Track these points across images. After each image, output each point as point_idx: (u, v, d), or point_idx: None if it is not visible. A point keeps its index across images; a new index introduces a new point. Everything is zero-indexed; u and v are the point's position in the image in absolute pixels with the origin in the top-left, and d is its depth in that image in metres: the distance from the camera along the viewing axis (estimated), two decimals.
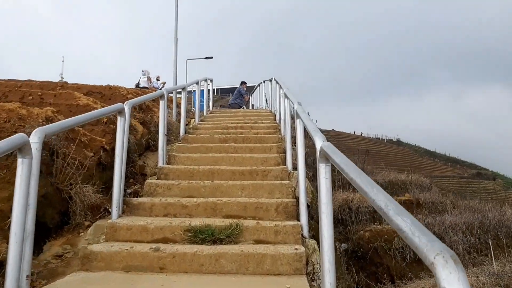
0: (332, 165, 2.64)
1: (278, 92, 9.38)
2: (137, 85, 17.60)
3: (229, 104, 18.21)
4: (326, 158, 2.63)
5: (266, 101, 13.30)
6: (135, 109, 7.64)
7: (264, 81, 14.51)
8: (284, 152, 6.52)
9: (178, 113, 9.86)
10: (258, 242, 3.67)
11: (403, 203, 8.79)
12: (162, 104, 5.99)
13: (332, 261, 2.42)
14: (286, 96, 6.02)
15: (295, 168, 5.84)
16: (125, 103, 4.54)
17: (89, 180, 4.90)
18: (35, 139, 2.65)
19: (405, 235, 1.42)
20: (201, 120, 9.38)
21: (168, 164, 5.99)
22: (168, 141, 7.43)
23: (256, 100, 17.49)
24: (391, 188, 10.38)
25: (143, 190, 4.96)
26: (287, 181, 5.07)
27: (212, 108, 12.31)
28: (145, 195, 4.89)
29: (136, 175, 6.41)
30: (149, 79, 18.63)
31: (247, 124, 8.37)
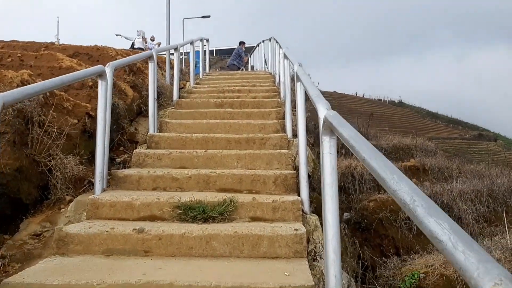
0: (337, 137, 2.26)
1: (277, 52, 8.87)
2: (132, 46, 16.98)
3: (227, 66, 17.61)
4: (331, 130, 2.24)
5: (266, 63, 12.76)
6: (125, 71, 7.18)
7: (263, 41, 13.89)
8: (284, 118, 6.13)
9: (172, 76, 9.40)
10: (254, 219, 3.34)
11: (409, 169, 8.49)
12: (151, 66, 5.53)
13: (338, 251, 2.08)
14: (285, 57, 5.55)
15: (295, 135, 5.45)
16: (106, 65, 4.10)
17: (73, 150, 4.53)
18: None
19: (442, 246, 1.05)
20: (197, 83, 8.91)
21: (159, 132, 5.61)
22: (161, 106, 7.02)
23: (256, 61, 16.89)
24: (396, 153, 10.05)
25: (131, 161, 4.59)
26: (287, 150, 4.70)
27: (209, 70, 11.79)
28: (134, 166, 4.53)
29: (126, 143, 6.05)
30: (144, 39, 17.93)
31: (245, 88, 7.92)
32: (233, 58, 16.41)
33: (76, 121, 4.89)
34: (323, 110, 2.42)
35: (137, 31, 17.52)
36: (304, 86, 3.44)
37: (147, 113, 6.94)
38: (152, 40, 18.40)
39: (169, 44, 8.73)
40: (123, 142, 6.03)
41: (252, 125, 5.60)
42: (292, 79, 8.47)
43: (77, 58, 7.29)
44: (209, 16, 24.48)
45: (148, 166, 4.50)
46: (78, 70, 5.73)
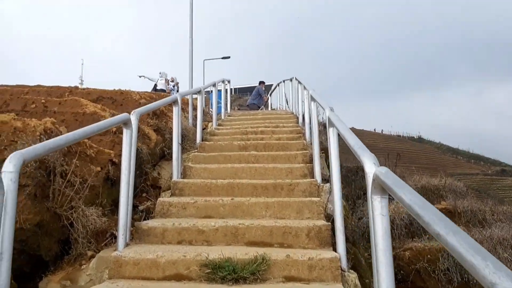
0: (389, 196, 2.02)
1: (300, 92, 8.76)
2: (155, 87, 17.25)
3: (248, 105, 17.64)
4: (383, 189, 2.00)
5: (287, 102, 12.68)
6: (148, 115, 7.11)
7: (283, 81, 13.88)
8: (311, 162, 5.90)
9: (195, 117, 9.34)
10: (288, 279, 3.06)
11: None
12: (175, 110, 5.43)
13: None
14: (312, 99, 5.39)
15: (324, 180, 5.22)
16: (131, 112, 3.98)
17: (96, 199, 4.37)
18: (9, 167, 2.09)
19: None
20: (219, 124, 8.81)
21: (183, 177, 5.44)
22: (184, 149, 6.89)
23: (275, 100, 16.88)
24: (425, 195, 9.65)
25: (155, 210, 4.40)
26: (317, 198, 4.44)
27: (230, 110, 11.75)
28: (157, 215, 4.33)
29: (149, 189, 5.89)
30: (167, 81, 18.24)
31: (268, 129, 7.76)
32: (253, 97, 16.45)
33: (99, 168, 4.75)
34: (371, 166, 2.20)
35: (160, 73, 17.82)
36: (341, 134, 3.23)
37: (170, 157, 6.82)
38: (172, 81, 18.67)
39: (192, 85, 8.74)
40: (146, 187, 5.87)
41: (278, 169, 5.39)
42: (323, 124, 8.31)
43: (101, 102, 7.28)
44: (229, 57, 24.83)
45: (173, 215, 4.29)
46: (101, 115, 5.67)
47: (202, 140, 7.08)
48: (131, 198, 3.76)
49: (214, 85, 8.82)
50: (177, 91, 19.04)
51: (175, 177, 5.18)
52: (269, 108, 16.96)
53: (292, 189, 4.81)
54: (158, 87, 17.26)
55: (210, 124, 9.63)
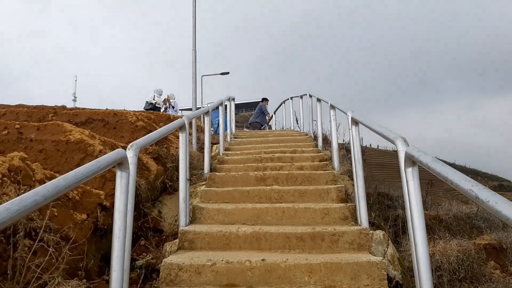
0: None
1: (318, 111, 7.72)
2: (153, 106, 16.31)
3: (250, 123, 16.61)
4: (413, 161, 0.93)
5: (297, 121, 11.65)
6: None
7: (291, 98, 12.89)
8: (348, 199, 4.83)
9: (199, 140, 8.28)
10: None
11: (485, 249, 7.01)
12: (182, 138, 4.35)
13: None
14: (355, 123, 4.31)
15: (372, 224, 4.14)
16: (128, 146, 2.90)
17: (79, 262, 3.25)
18: None
19: None
20: (226, 149, 7.72)
21: (192, 221, 4.34)
22: (190, 183, 5.79)
23: (280, 118, 15.87)
24: (457, 226, 8.59)
25: (158, 280, 3.27)
26: (376, 258, 3.35)
27: (235, 130, 10.69)
28: (163, 283, 3.21)
29: (149, 233, 4.77)
30: (165, 101, 17.26)
31: (285, 155, 6.69)
32: (256, 116, 15.42)
33: (84, 216, 3.65)
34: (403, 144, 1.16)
35: (154, 90, 16.84)
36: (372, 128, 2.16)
37: (173, 190, 5.72)
38: (169, 100, 17.60)
39: (195, 102, 7.74)
40: (145, 231, 4.75)
41: (311, 211, 4.30)
42: (341, 145, 7.25)
43: (90, 125, 6.20)
44: (228, 73, 23.93)
45: (183, 284, 3.17)
46: (89, 144, 4.57)
47: (211, 170, 5.99)
48: (127, 271, 2.64)
49: (221, 103, 7.76)
50: (173, 108, 18.01)
51: (182, 223, 4.07)
52: (273, 127, 15.93)
53: (336, 240, 3.71)
54: (151, 105, 16.28)
55: (215, 147, 8.56)
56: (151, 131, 6.44)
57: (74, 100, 43.14)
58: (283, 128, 14.39)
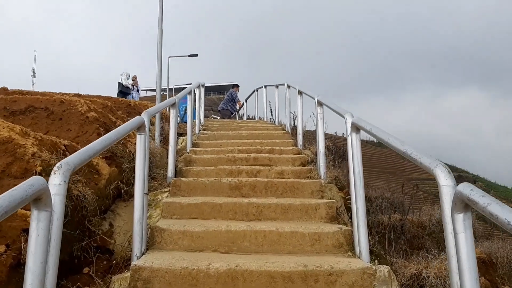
0: None
1: (299, 106, 6.91)
2: (120, 89, 15.46)
3: (219, 110, 15.67)
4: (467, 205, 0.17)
5: (271, 112, 10.81)
6: (98, 134, 5.04)
7: (265, 86, 12.02)
8: (339, 218, 4.07)
9: (162, 130, 7.32)
10: None
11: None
12: (140, 142, 3.42)
13: None
14: (356, 128, 3.47)
15: (372, 254, 3.38)
16: (54, 169, 1.97)
17: None
18: None
19: None
20: (194, 144, 6.81)
21: (151, 247, 3.46)
22: (151, 188, 4.86)
23: (251, 107, 15.01)
24: (440, 232, 8.07)
25: None
26: None
27: (204, 120, 9.73)
28: None
29: (95, 255, 3.84)
30: (135, 81, 16.37)
31: (263, 155, 5.84)
32: (226, 102, 14.50)
33: (3, 247, 2.70)
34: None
35: (121, 74, 15.87)
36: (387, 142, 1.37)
37: (128, 195, 4.79)
38: (134, 80, 16.48)
39: (160, 85, 6.74)
40: (90, 254, 3.82)
41: (298, 236, 3.50)
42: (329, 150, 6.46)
43: (31, 115, 5.15)
44: (196, 55, 22.71)
45: None
46: (20, 145, 3.57)
47: (176, 175, 5.08)
48: None
49: (190, 92, 6.80)
50: (138, 91, 16.85)
51: (136, 253, 3.16)
52: (244, 117, 15.05)
53: (333, 281, 2.93)
54: (121, 86, 15.49)
55: (181, 139, 7.63)
56: (105, 124, 5.46)
57: (33, 76, 40.60)
58: (255, 119, 13.54)
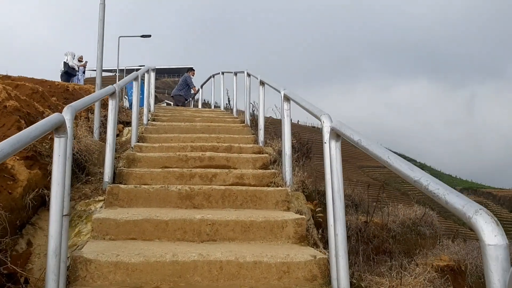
0: None
1: (261, 98, 6.20)
2: (65, 67, 14.18)
3: (172, 96, 14.70)
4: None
5: (229, 101, 10.04)
6: (18, 128, 4.10)
7: (222, 73, 11.18)
8: (308, 237, 3.45)
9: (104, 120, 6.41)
10: None
11: (441, 271, 6.11)
12: (58, 146, 2.57)
13: None
14: (335, 135, 2.80)
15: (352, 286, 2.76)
16: None
17: None
18: None
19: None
20: (141, 138, 5.95)
21: (72, 284, 2.65)
22: (83, 195, 4.01)
23: (207, 92, 14.14)
24: (404, 234, 7.69)
25: None
26: None
27: (154, 108, 8.81)
28: None
29: (5, 286, 2.98)
30: (85, 62, 15.13)
31: (219, 154, 5.10)
32: (180, 88, 13.56)
33: None
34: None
35: (65, 54, 14.54)
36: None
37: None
38: (80, 60, 15.15)
39: (101, 66, 5.82)
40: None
41: (263, 267, 2.82)
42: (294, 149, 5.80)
43: None
44: (149, 36, 21.38)
45: None
46: None
47: (115, 179, 4.24)
48: None
49: (136, 78, 5.89)
50: (84, 72, 15.55)
51: None
52: (200, 105, 14.18)
53: None
54: (67, 66, 14.22)
55: (127, 130, 6.75)
56: (29, 115, 4.52)
57: None
58: (211, 106, 12.71)
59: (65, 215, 2.64)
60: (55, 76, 15.09)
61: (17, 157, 3.73)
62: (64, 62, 14.51)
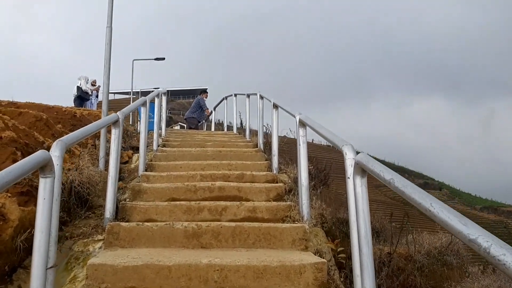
0: None
1: (275, 122, 5.86)
2: (79, 94, 14.18)
3: (185, 119, 14.49)
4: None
5: (241, 124, 9.73)
6: (13, 161, 3.82)
7: (235, 95, 10.94)
8: (332, 284, 3.04)
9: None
10: None
11: None
12: (43, 188, 2.26)
13: None
14: (360, 169, 2.42)
15: None
16: None
17: None
18: None
19: None
20: (149, 166, 5.65)
21: None
22: (81, 234, 3.70)
23: (221, 114, 13.90)
24: (430, 264, 7.17)
25: None
26: None
27: (165, 133, 8.55)
28: None
29: None
30: (97, 86, 15.13)
31: (230, 184, 4.74)
32: (193, 110, 13.34)
33: None
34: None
35: (79, 78, 14.55)
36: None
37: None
38: (93, 85, 15.13)
39: (108, 87, 5.59)
40: None
41: None
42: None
43: None
44: (163, 59, 21.39)
45: None
46: None
47: (118, 214, 3.91)
48: None
49: (144, 104, 5.62)
50: (96, 96, 15.50)
51: None
52: (212, 127, 13.92)
53: None
54: (81, 91, 14.22)
55: (136, 158, 6.45)
56: (27, 146, 4.24)
57: None
58: (224, 129, 12.42)
59: (52, 266, 2.31)
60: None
61: (9, 194, 3.43)
62: (78, 87, 14.48)
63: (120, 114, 4.09)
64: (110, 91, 5.76)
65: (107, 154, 6.19)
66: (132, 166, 6.31)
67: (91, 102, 15.08)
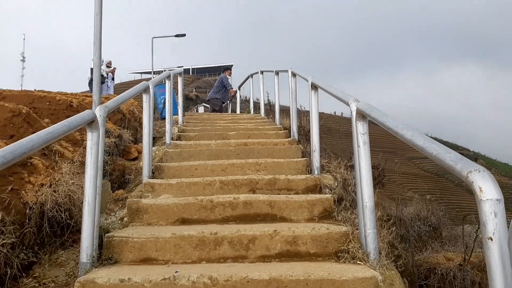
0: None
1: (314, 109, 4.54)
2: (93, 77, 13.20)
3: (208, 99, 13.28)
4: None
5: (270, 107, 8.42)
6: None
7: (261, 72, 9.58)
8: None
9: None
10: None
11: None
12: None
13: None
14: None
15: None
16: None
17: None
18: None
19: None
20: (157, 168, 4.48)
21: None
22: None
23: (247, 92, 12.59)
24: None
25: None
26: None
27: (182, 121, 7.34)
28: None
29: None
30: (113, 68, 14.18)
31: (259, 197, 3.50)
32: (216, 90, 12.12)
33: None
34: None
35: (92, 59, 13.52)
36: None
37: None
38: (109, 66, 14.07)
39: (97, 83, 4.48)
40: None
41: None
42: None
43: None
44: (184, 35, 20.10)
45: None
46: None
47: (101, 255, 2.74)
48: None
49: (146, 90, 4.39)
50: (112, 79, 14.45)
51: None
52: (238, 109, 12.64)
53: None
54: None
55: (158, 150, 5.32)
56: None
57: (23, 61, 38.32)
58: (250, 111, 11.13)
59: None
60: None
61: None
62: (91, 69, 13.44)
63: (98, 111, 2.83)
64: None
65: (108, 154, 5.06)
66: (141, 164, 5.17)
67: (107, 85, 14.03)
